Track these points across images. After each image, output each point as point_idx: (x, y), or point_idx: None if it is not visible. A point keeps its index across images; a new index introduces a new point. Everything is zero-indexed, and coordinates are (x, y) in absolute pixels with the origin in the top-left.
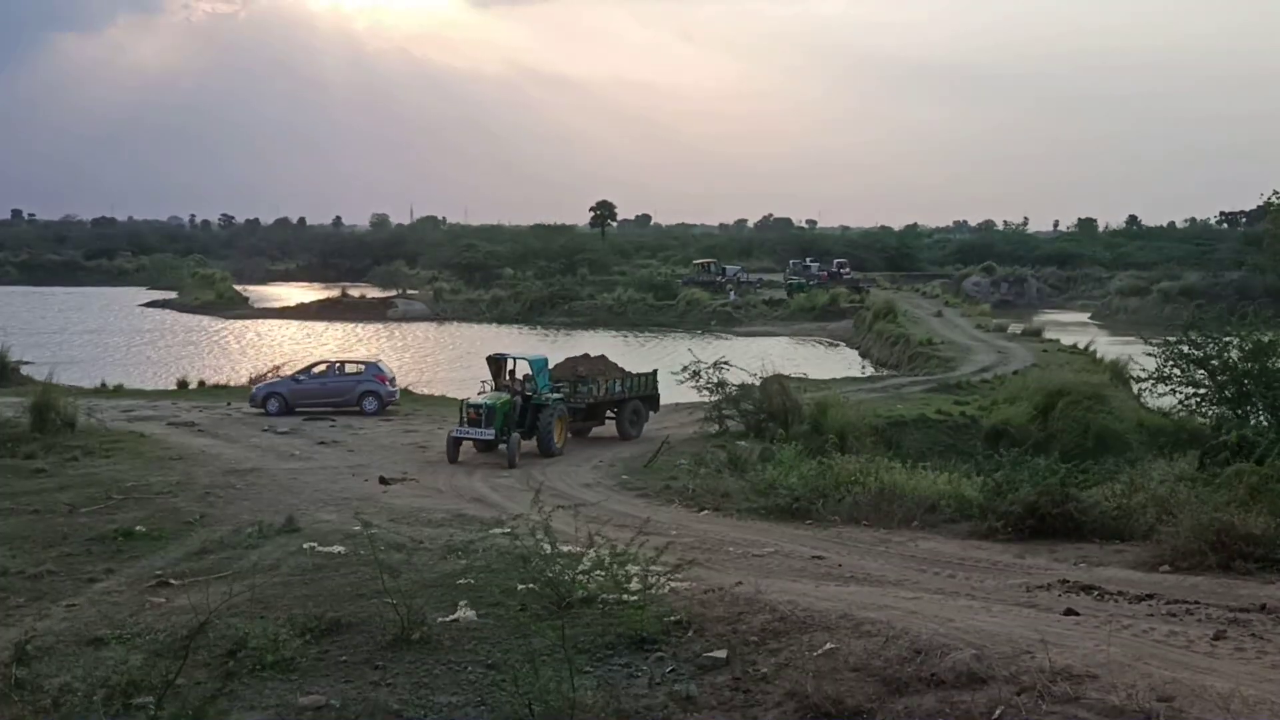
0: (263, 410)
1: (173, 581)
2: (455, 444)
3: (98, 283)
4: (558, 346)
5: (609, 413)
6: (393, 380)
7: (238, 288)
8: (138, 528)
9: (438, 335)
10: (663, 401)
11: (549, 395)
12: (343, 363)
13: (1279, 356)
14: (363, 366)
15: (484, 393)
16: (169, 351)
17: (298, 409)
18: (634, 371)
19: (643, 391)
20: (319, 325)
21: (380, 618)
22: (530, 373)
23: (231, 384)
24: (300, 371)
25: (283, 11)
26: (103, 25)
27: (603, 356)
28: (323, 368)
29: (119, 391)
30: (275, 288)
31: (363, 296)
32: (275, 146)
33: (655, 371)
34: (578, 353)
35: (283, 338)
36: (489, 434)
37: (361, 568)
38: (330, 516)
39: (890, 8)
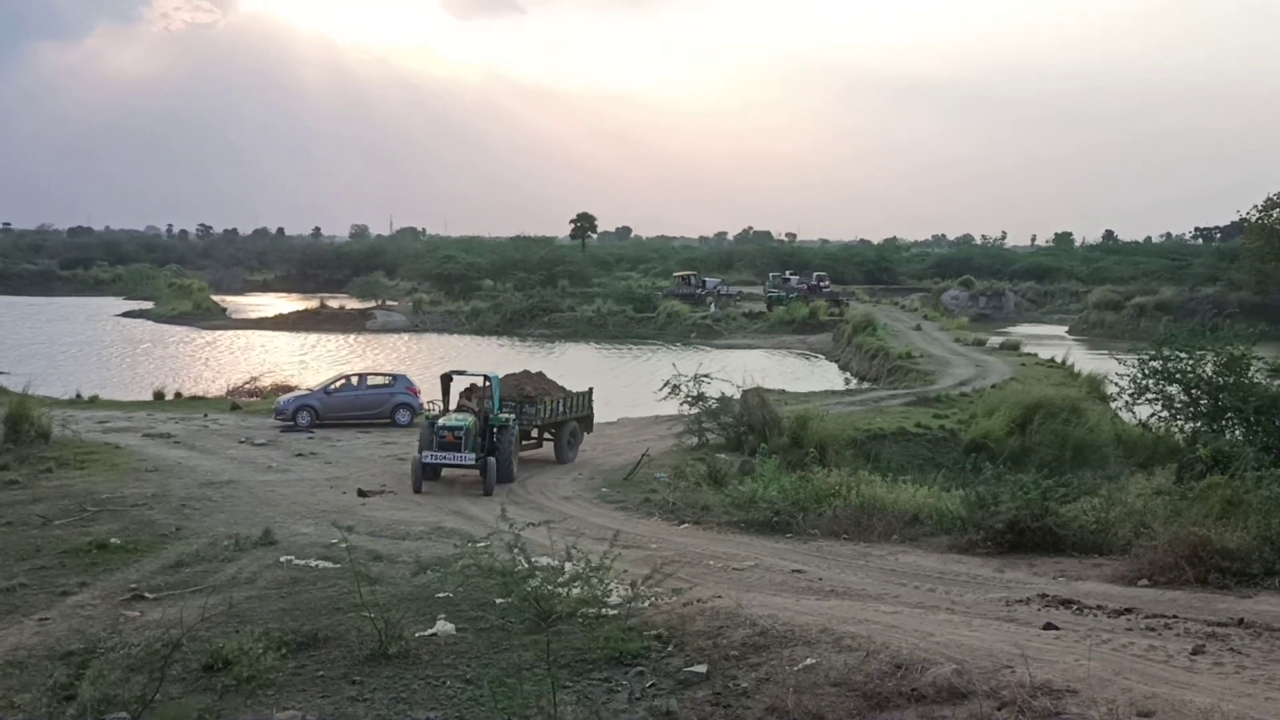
0: (291, 423)
1: (147, 595)
2: (423, 470)
3: (73, 293)
4: (538, 359)
5: (546, 434)
6: (419, 393)
7: (215, 298)
8: (112, 540)
9: (417, 347)
10: (641, 414)
11: (506, 416)
12: (363, 375)
13: (1249, 370)
14: (389, 378)
15: (433, 413)
16: (145, 362)
17: (329, 422)
18: (572, 390)
19: (580, 411)
20: (297, 336)
21: (358, 632)
22: (491, 391)
23: (209, 395)
24: (328, 383)
25: (262, 22)
26: (81, 34)
27: (541, 374)
28: (342, 382)
29: (94, 402)
30: (253, 298)
31: (341, 307)
32: (254, 156)
33: (591, 390)
34: (561, 366)
35: (262, 349)
36: (469, 459)
37: (339, 581)
38: (308, 529)
39: (870, 28)
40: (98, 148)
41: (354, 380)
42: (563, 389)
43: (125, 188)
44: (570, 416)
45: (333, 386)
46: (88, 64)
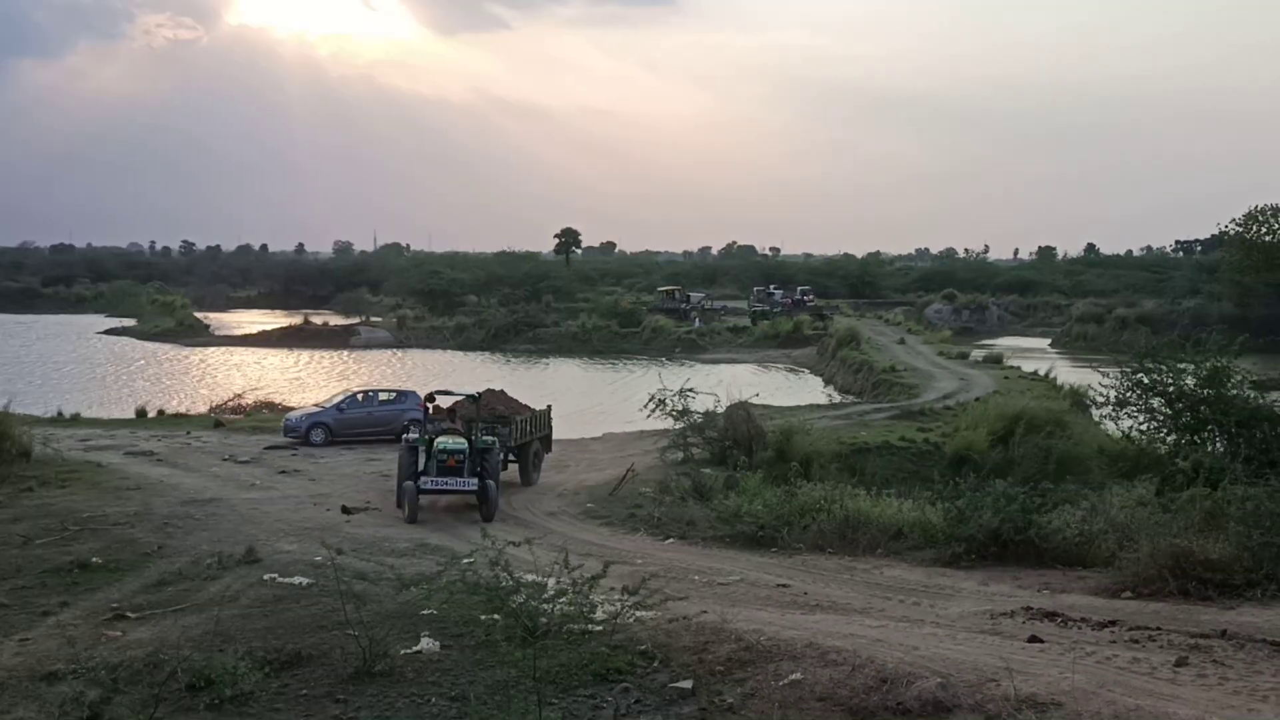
0: (304, 441)
1: (130, 614)
2: (417, 498)
3: (55, 310)
4: (523, 375)
5: (510, 455)
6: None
7: (198, 315)
8: (94, 559)
9: (403, 363)
10: (626, 429)
11: (491, 439)
12: (370, 391)
13: (1231, 382)
14: (396, 394)
15: (414, 437)
16: (127, 380)
17: (342, 439)
18: (534, 408)
19: (542, 431)
20: (281, 353)
21: (342, 649)
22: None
23: (191, 413)
24: (339, 400)
25: (246, 38)
26: (63, 52)
27: (503, 391)
28: (347, 399)
29: (76, 420)
30: (236, 315)
31: (325, 324)
32: (237, 173)
33: (550, 407)
34: (547, 381)
35: (246, 366)
36: (472, 484)
37: (323, 599)
38: (291, 547)
39: (853, 41)
40: (80, 165)
41: (360, 397)
42: (529, 408)
43: (107, 205)
44: (534, 436)
45: (343, 403)
46: (69, 81)
